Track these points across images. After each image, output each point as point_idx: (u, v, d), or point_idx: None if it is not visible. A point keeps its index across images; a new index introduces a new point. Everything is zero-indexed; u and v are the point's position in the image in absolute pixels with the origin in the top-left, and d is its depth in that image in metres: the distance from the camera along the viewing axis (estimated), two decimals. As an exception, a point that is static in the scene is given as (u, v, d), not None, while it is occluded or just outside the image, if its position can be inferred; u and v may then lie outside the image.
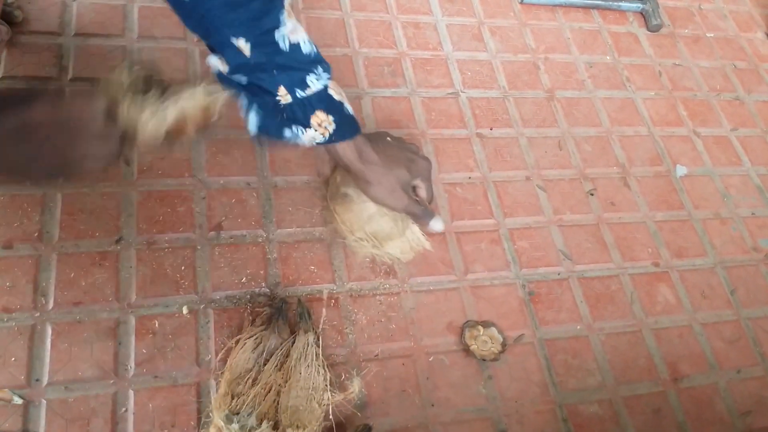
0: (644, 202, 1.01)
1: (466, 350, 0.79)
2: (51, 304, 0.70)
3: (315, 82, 0.69)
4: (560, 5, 1.21)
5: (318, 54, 0.71)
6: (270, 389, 0.67)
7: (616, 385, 0.82)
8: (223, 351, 0.72)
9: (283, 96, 0.68)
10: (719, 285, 0.96)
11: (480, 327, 0.81)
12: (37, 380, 0.66)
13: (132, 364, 0.69)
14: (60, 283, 0.72)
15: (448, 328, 0.81)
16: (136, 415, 0.67)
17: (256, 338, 0.71)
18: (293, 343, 0.71)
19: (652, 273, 0.94)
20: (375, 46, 1.05)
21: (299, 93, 0.69)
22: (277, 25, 0.65)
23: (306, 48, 0.69)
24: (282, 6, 0.66)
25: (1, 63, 0.85)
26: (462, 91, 1.04)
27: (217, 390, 0.69)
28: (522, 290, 0.87)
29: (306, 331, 0.72)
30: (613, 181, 1.02)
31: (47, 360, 0.67)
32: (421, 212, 0.79)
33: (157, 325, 0.72)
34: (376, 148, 0.77)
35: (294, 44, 0.67)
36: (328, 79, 0.71)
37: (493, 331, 0.81)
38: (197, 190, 0.82)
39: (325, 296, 0.79)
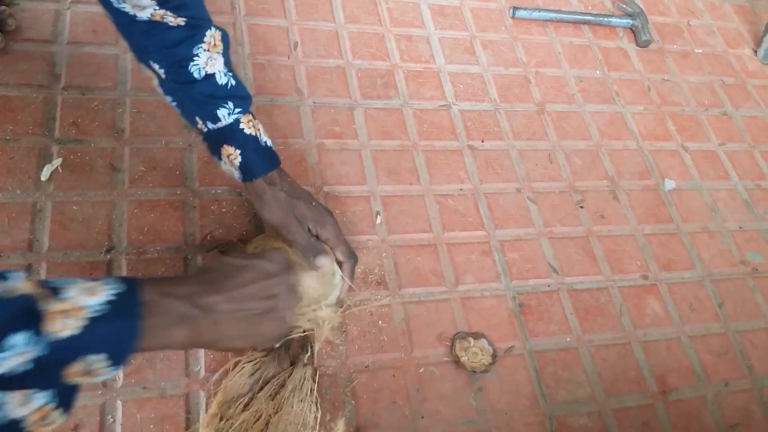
0: (633, 215, 1.02)
1: (457, 362, 0.79)
2: (39, 314, 0.70)
3: (226, 117, 0.69)
4: (551, 20, 1.23)
5: (236, 87, 0.70)
6: (259, 417, 0.67)
7: (605, 397, 0.83)
8: (221, 371, 0.71)
9: (201, 124, 0.71)
10: (707, 298, 0.97)
11: (470, 338, 0.81)
12: (24, 390, 0.65)
13: (120, 374, 0.69)
14: (48, 293, 0.71)
15: (438, 340, 0.81)
16: (124, 425, 0.66)
17: (255, 363, 0.70)
18: (290, 374, 0.71)
19: (640, 285, 0.94)
20: (368, 58, 1.05)
21: (210, 125, 0.70)
22: (190, 56, 0.66)
23: (222, 80, 0.69)
24: (201, 40, 0.66)
25: (-7, 71, 0.85)
26: (454, 104, 1.05)
27: (207, 405, 0.69)
28: (512, 302, 0.87)
29: (305, 365, 0.72)
30: (603, 194, 1.03)
31: (34, 370, 0.67)
32: (307, 243, 0.71)
33: (146, 335, 0.72)
34: (290, 186, 0.74)
35: (210, 74, 0.68)
36: (241, 113, 0.70)
37: (484, 342, 0.81)
38: (188, 200, 0.82)
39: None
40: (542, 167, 1.02)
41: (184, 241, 0.79)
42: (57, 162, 0.80)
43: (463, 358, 0.79)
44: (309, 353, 0.73)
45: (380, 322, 0.80)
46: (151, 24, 0.64)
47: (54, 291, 0.44)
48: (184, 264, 0.77)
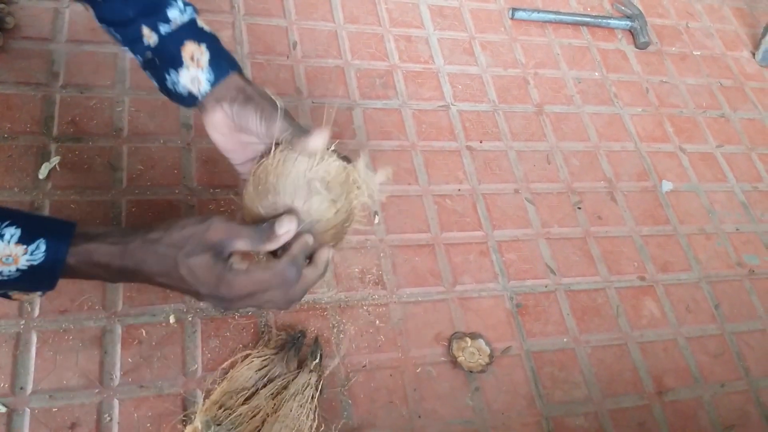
0: (631, 216, 1.02)
1: (454, 362, 0.79)
2: (37, 312, 0.70)
3: (179, 16, 0.62)
4: (550, 22, 1.23)
5: None
6: (257, 414, 0.67)
7: (602, 397, 0.83)
8: (228, 362, 0.71)
9: (149, 36, 0.62)
10: (704, 299, 0.97)
11: (468, 339, 0.81)
12: (22, 389, 0.66)
13: (117, 373, 0.69)
14: (46, 291, 0.71)
15: (435, 340, 0.81)
16: (121, 424, 0.66)
17: (265, 359, 0.70)
18: (295, 377, 0.71)
19: (637, 287, 0.95)
20: (367, 58, 1.06)
21: (163, 28, 0.62)
22: None
23: None
24: None
25: (-8, 68, 0.85)
26: (452, 104, 1.05)
27: (206, 394, 0.69)
28: (510, 302, 0.87)
29: (311, 371, 0.72)
30: (600, 195, 1.03)
31: (32, 368, 0.67)
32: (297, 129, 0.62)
33: (143, 333, 0.72)
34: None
35: None
36: (194, 13, 0.64)
37: (481, 342, 0.82)
38: (187, 199, 0.82)
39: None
40: (540, 168, 1.02)
41: (182, 240, 0.79)
42: (55, 160, 0.80)
43: (461, 358, 0.79)
44: (317, 360, 0.73)
45: (378, 321, 0.80)
46: None
47: None
48: (182, 263, 0.77)
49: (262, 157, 0.62)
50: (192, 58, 0.62)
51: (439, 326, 0.82)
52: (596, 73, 1.20)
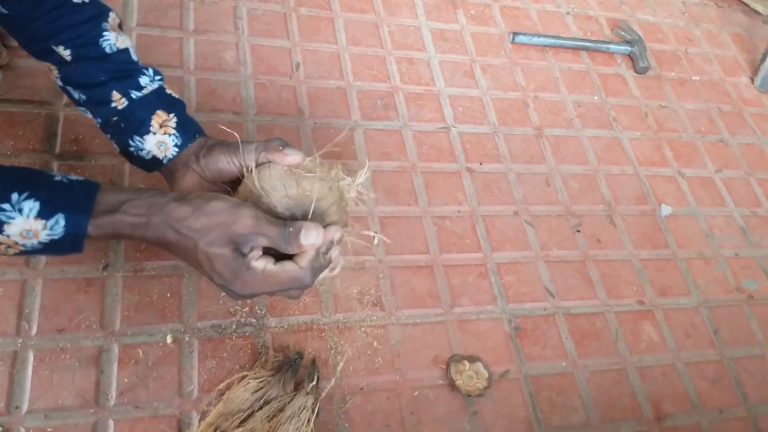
0: (629, 240, 1.02)
1: (452, 385, 0.79)
2: (34, 330, 0.70)
3: (149, 83, 0.66)
4: (550, 46, 1.25)
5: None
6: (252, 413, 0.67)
7: (600, 423, 0.82)
8: (224, 384, 0.71)
9: (118, 101, 0.65)
10: (702, 324, 0.97)
11: (466, 362, 0.81)
12: (17, 407, 0.65)
13: (113, 393, 0.68)
14: (44, 309, 0.71)
15: (433, 362, 0.81)
16: (116, 445, 0.66)
17: (261, 381, 0.70)
18: (292, 400, 0.70)
19: (636, 311, 0.94)
20: (369, 80, 1.07)
21: (134, 94, 0.65)
22: (100, 32, 0.64)
23: (135, 55, 0.67)
24: (106, 19, 0.65)
25: (-3, 86, 0.86)
26: (453, 126, 1.06)
27: (201, 416, 0.69)
28: (508, 325, 0.87)
29: (308, 393, 0.71)
30: (599, 218, 1.03)
31: (28, 387, 0.66)
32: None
33: (140, 353, 0.72)
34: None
35: (122, 49, 0.66)
36: (161, 81, 0.67)
37: (479, 366, 0.81)
38: (187, 218, 0.82)
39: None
40: (540, 191, 1.03)
41: (180, 260, 0.79)
42: (57, 178, 0.80)
43: (458, 382, 0.79)
44: (314, 382, 0.72)
45: (375, 343, 0.80)
46: (58, 4, 0.63)
47: None
48: (179, 282, 0.77)
49: (237, 182, 0.64)
50: (161, 125, 0.66)
51: (437, 349, 0.82)
52: (595, 97, 1.21)
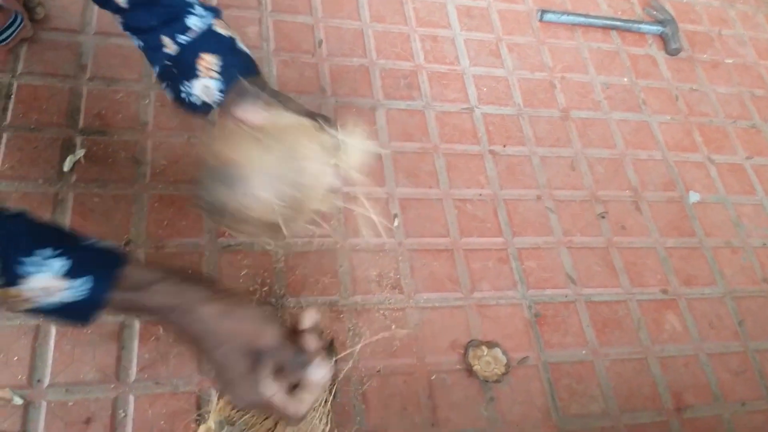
0: (655, 227, 1.00)
1: (469, 370, 0.79)
2: (57, 304, 0.70)
3: (197, 23, 0.63)
4: (579, 25, 1.21)
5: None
6: (270, 415, 0.67)
7: (619, 412, 0.81)
8: None
9: (168, 46, 0.63)
10: (727, 315, 0.95)
11: (484, 347, 0.80)
12: (39, 381, 0.66)
13: (134, 368, 0.69)
14: (67, 283, 0.72)
15: (451, 347, 0.80)
16: (135, 420, 0.67)
17: None
18: None
19: (660, 300, 0.93)
20: (392, 58, 1.05)
21: (182, 38, 0.63)
22: None
23: None
24: None
25: (21, 59, 0.85)
26: (477, 107, 1.04)
27: (219, 396, 0.69)
28: (528, 311, 0.86)
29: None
30: (625, 204, 1.01)
31: (50, 361, 0.67)
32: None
33: (161, 330, 0.72)
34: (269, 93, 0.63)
35: None
36: (213, 17, 0.64)
37: (497, 351, 0.81)
38: (208, 196, 0.82)
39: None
40: (564, 175, 1.01)
41: (202, 237, 0.79)
42: (80, 153, 0.80)
43: (476, 367, 0.79)
44: (332, 364, 0.72)
45: (393, 326, 0.80)
46: None
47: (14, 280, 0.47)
48: (200, 260, 0.77)
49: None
50: (206, 69, 0.63)
51: (455, 333, 0.81)
52: (625, 79, 1.17)
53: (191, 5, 0.63)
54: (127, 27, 0.66)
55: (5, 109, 0.81)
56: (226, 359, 0.53)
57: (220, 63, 0.63)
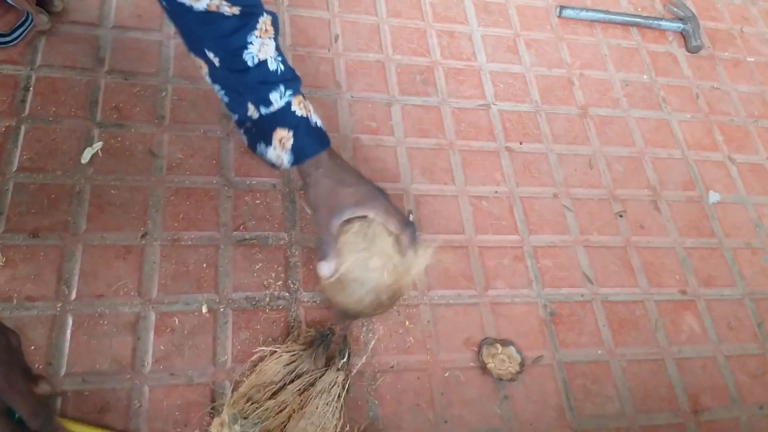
0: (674, 227, 0.99)
1: (483, 368, 0.78)
2: (74, 295, 0.71)
3: (278, 100, 0.69)
4: (599, 21, 1.19)
5: (286, 72, 0.70)
6: (283, 409, 0.67)
7: (634, 413, 0.80)
8: (256, 356, 0.72)
9: (252, 111, 0.71)
10: (746, 317, 0.93)
11: (498, 345, 0.80)
12: (55, 371, 0.67)
13: (149, 360, 0.69)
14: (84, 275, 0.72)
15: (465, 344, 0.80)
16: (150, 411, 0.67)
17: (293, 355, 0.70)
18: (323, 375, 0.71)
19: (678, 301, 0.91)
20: (408, 54, 1.04)
21: (263, 110, 0.70)
22: (244, 44, 0.67)
23: (273, 65, 0.69)
24: (254, 27, 0.67)
25: (40, 52, 0.86)
26: (493, 104, 1.03)
27: (234, 386, 0.69)
28: (543, 310, 0.85)
29: (338, 369, 0.71)
30: (644, 203, 1.00)
31: (66, 351, 0.68)
32: (324, 242, 0.70)
33: (176, 322, 0.72)
34: (338, 169, 0.72)
35: (262, 61, 0.68)
36: (292, 95, 0.70)
37: (512, 350, 0.80)
38: (224, 190, 0.82)
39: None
40: (582, 173, 1.00)
41: (217, 231, 0.79)
42: (98, 145, 0.81)
43: (490, 365, 0.78)
44: (345, 359, 0.72)
45: (407, 322, 0.80)
46: (207, 14, 0.65)
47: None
48: (216, 253, 0.78)
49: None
50: (280, 141, 0.70)
51: (469, 330, 0.81)
52: (645, 76, 1.16)
53: (276, 85, 0.69)
54: (215, 80, 0.72)
55: (24, 101, 0.82)
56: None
57: (292, 141, 0.70)
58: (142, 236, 0.76)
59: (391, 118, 0.96)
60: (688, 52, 1.23)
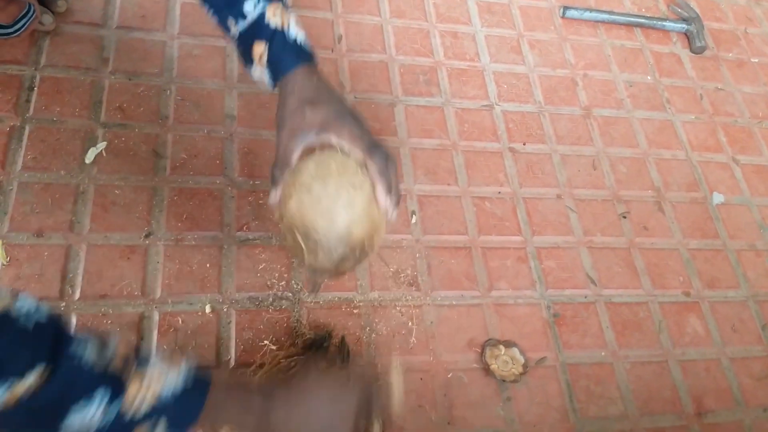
0: (678, 228, 0.98)
1: (486, 369, 0.78)
2: (77, 295, 0.71)
3: (251, 10, 0.62)
4: (603, 22, 1.19)
5: None
6: None
7: (638, 415, 0.80)
8: (255, 365, 0.71)
9: (233, 28, 0.64)
10: (751, 319, 0.93)
11: (501, 346, 0.80)
12: (60, 370, 0.67)
13: (152, 360, 0.69)
14: (87, 274, 0.72)
15: (468, 345, 0.80)
16: (154, 411, 0.67)
17: (291, 360, 0.70)
18: None
19: (682, 302, 0.91)
20: (411, 54, 1.04)
21: (241, 23, 0.63)
22: None
23: None
24: None
25: (44, 52, 0.86)
26: (497, 104, 1.03)
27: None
28: (546, 311, 0.85)
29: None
30: (648, 204, 0.99)
31: (70, 350, 0.68)
32: (278, 160, 0.61)
33: (180, 321, 0.72)
34: (312, 90, 0.62)
35: None
36: (266, 4, 0.62)
37: (515, 351, 0.80)
38: (227, 190, 0.82)
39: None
40: (585, 174, 0.99)
41: (220, 231, 0.79)
42: (102, 145, 0.81)
43: (493, 366, 0.78)
44: (344, 361, 0.72)
45: (410, 323, 0.80)
46: None
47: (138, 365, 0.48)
48: (219, 253, 0.78)
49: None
50: (259, 58, 0.63)
51: (472, 332, 0.81)
52: (649, 77, 1.16)
53: None
54: (203, 1, 0.66)
55: (28, 101, 0.82)
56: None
57: (266, 55, 0.62)
58: (146, 236, 0.76)
59: (395, 119, 0.96)
60: (692, 52, 1.22)
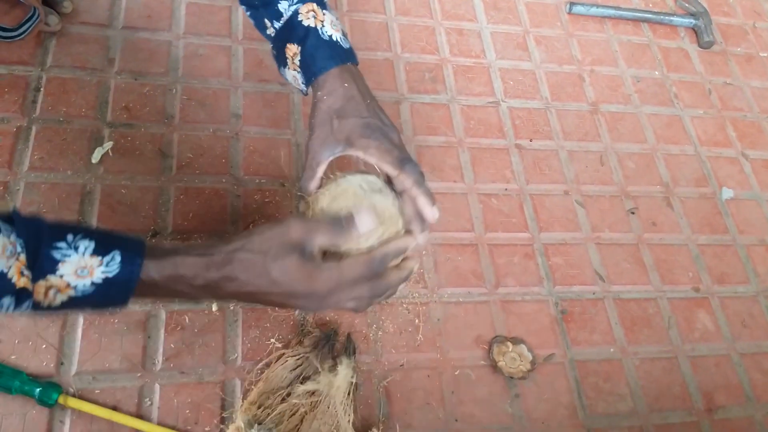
0: (687, 224, 0.97)
1: (494, 366, 0.78)
2: (85, 294, 0.71)
3: (287, 10, 0.62)
4: (609, 17, 1.18)
5: None
6: (296, 412, 0.67)
7: (648, 412, 0.79)
8: (263, 363, 0.71)
9: (269, 28, 0.64)
10: (761, 314, 0.92)
11: (509, 343, 0.79)
12: (66, 369, 0.67)
13: (160, 358, 0.70)
14: (94, 273, 0.73)
15: (476, 342, 0.79)
16: (161, 409, 0.67)
17: (299, 358, 0.70)
18: (331, 375, 0.70)
19: (691, 298, 0.90)
20: (417, 52, 1.04)
21: (276, 24, 0.63)
22: None
23: None
24: None
25: (50, 52, 0.87)
26: (503, 101, 1.02)
27: (244, 393, 0.69)
28: (554, 308, 0.85)
29: (347, 367, 0.71)
30: (656, 200, 0.99)
31: (77, 349, 0.68)
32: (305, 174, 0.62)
33: (186, 320, 0.72)
34: (343, 94, 0.61)
35: None
36: (300, 2, 0.61)
37: (523, 348, 0.79)
38: (233, 189, 0.83)
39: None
40: (593, 169, 0.99)
41: (227, 230, 0.79)
42: (108, 145, 0.81)
43: (501, 363, 0.77)
44: (351, 358, 0.72)
45: (417, 320, 0.79)
46: None
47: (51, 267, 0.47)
48: (225, 252, 0.78)
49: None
50: (292, 59, 0.62)
51: (479, 329, 0.80)
52: (656, 72, 1.15)
53: None
54: (242, 2, 0.66)
55: (35, 101, 0.82)
56: (279, 265, 0.51)
57: (300, 56, 0.61)
58: (152, 235, 0.77)
59: (400, 116, 0.96)
60: (700, 47, 1.21)
